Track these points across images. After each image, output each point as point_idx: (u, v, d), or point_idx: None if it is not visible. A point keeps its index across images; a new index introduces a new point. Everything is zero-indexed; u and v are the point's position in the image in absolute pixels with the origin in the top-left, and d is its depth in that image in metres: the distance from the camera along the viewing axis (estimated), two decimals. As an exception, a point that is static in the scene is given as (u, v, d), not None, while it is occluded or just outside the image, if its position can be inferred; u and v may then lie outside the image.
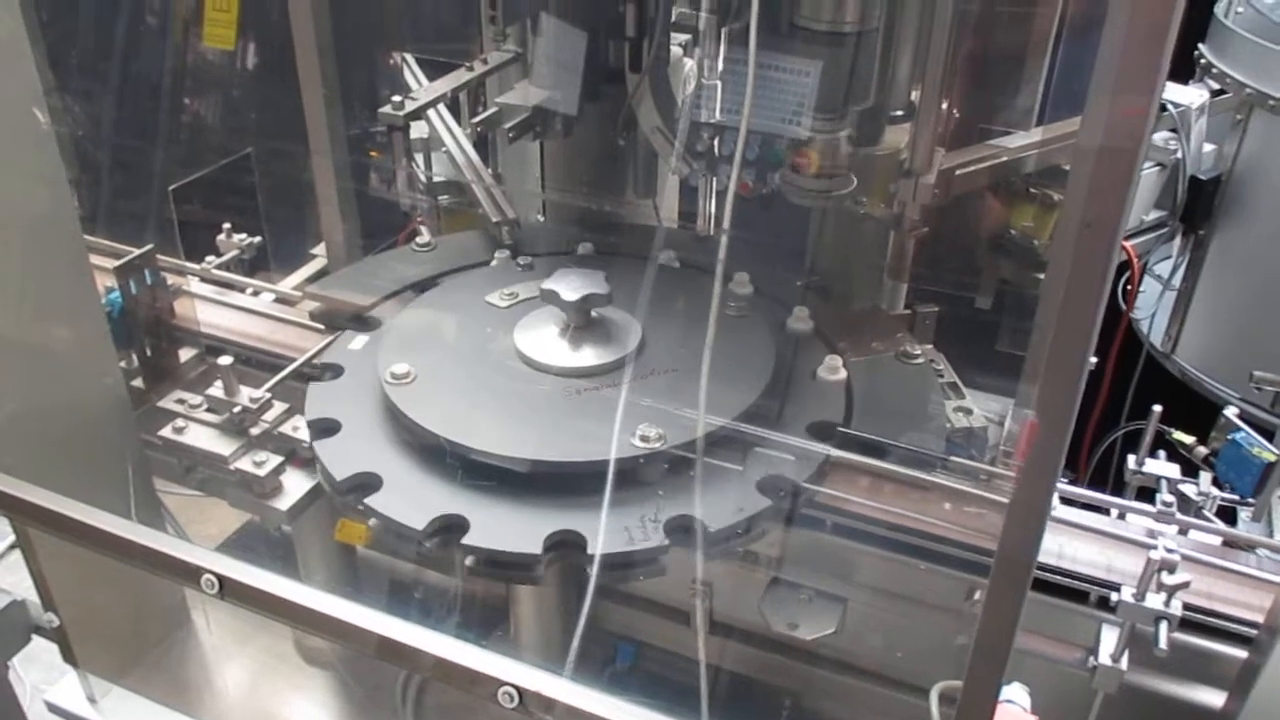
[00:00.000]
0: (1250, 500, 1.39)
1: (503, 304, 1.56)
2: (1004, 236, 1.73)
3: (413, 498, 1.27)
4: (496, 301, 1.57)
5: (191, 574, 1.17)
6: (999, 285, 1.77)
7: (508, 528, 1.23)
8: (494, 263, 1.71)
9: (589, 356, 1.43)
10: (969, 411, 1.53)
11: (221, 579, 1.16)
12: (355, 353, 1.53)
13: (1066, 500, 1.39)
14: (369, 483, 1.30)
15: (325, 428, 1.40)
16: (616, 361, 1.42)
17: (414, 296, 1.65)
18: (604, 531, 1.21)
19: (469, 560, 1.23)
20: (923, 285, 1.81)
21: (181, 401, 1.47)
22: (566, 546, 1.22)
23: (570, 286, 1.41)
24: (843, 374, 1.48)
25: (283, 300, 1.77)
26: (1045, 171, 1.65)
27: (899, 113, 1.65)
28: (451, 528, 1.24)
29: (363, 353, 1.52)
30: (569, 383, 1.40)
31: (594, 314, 1.45)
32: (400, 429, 1.37)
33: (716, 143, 1.59)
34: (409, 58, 2.12)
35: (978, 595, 1.31)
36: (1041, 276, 1.71)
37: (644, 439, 1.28)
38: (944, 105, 1.56)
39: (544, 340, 1.45)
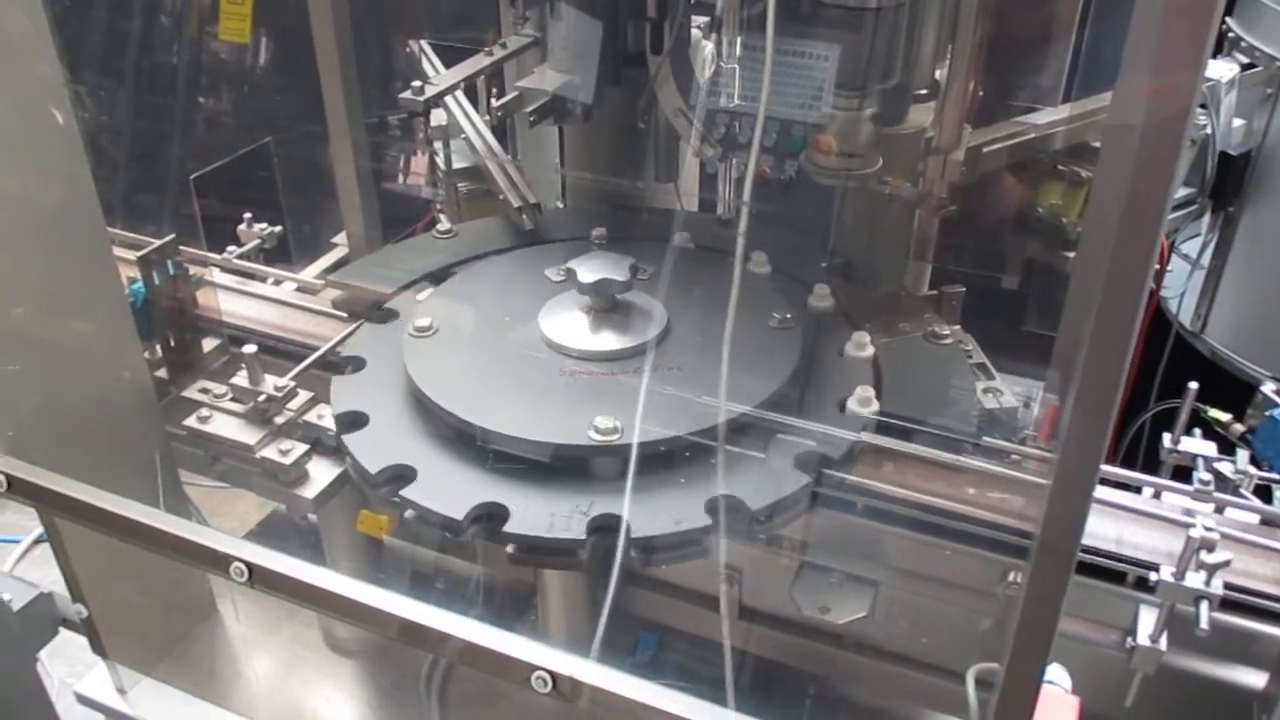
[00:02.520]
0: (1289, 477, 1.36)
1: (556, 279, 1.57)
2: (1031, 215, 1.71)
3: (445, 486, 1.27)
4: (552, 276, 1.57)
5: (221, 562, 1.16)
6: (1026, 264, 1.76)
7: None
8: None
9: (608, 340, 1.41)
10: (999, 393, 1.51)
11: (251, 567, 1.16)
12: (380, 343, 1.52)
13: (1102, 480, 1.37)
14: (403, 474, 1.30)
15: (353, 421, 1.39)
16: (636, 347, 1.41)
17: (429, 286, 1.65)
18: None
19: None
20: (949, 265, 1.80)
21: (206, 391, 1.47)
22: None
23: (591, 270, 1.40)
24: (870, 350, 1.46)
25: (304, 289, 1.76)
26: (1073, 149, 1.63)
27: (923, 91, 1.63)
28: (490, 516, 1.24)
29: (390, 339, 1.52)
30: (579, 365, 1.39)
31: (619, 298, 1.44)
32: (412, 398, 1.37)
33: (735, 128, 1.58)
34: (426, 45, 2.11)
35: (1012, 577, 1.31)
36: (1070, 255, 1.69)
37: (600, 431, 1.26)
38: (970, 82, 1.54)
39: (567, 322, 1.45)
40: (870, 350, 1.45)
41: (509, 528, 1.19)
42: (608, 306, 1.44)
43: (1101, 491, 1.34)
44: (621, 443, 1.24)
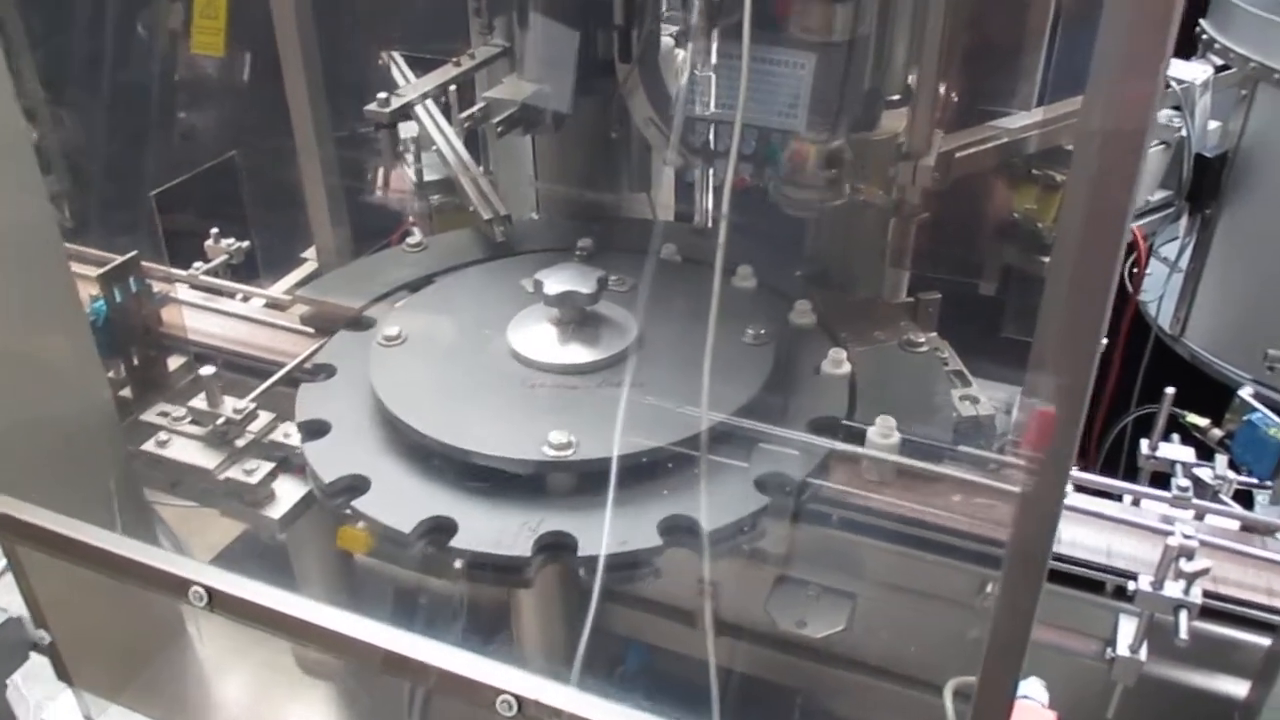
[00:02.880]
0: (1269, 483, 1.35)
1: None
2: (1007, 220, 1.69)
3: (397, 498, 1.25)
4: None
5: (178, 587, 1.13)
6: (1003, 270, 1.74)
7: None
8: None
9: (574, 353, 1.39)
10: (976, 400, 1.49)
11: (210, 591, 1.13)
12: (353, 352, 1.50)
13: (1079, 488, 1.36)
14: (357, 485, 1.27)
15: (315, 429, 1.37)
16: (602, 361, 1.38)
17: (406, 296, 1.63)
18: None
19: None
20: (925, 272, 1.78)
21: (165, 414, 1.44)
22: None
23: (558, 281, 1.38)
24: (847, 368, 1.44)
25: (273, 305, 1.74)
26: (1048, 153, 1.62)
27: (896, 97, 1.61)
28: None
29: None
30: (544, 378, 1.38)
31: (589, 310, 1.42)
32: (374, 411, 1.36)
33: (712, 137, 1.56)
34: (397, 56, 2.08)
35: (990, 588, 1.29)
36: (1046, 260, 1.68)
37: (553, 446, 1.23)
38: (942, 86, 1.52)
39: (536, 335, 1.42)
40: (847, 368, 1.42)
41: (455, 542, 1.17)
42: (576, 319, 1.42)
43: (1079, 499, 1.32)
44: (575, 458, 1.21)
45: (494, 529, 1.20)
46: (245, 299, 1.75)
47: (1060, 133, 1.60)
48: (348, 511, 1.25)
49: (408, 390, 1.36)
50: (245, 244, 1.81)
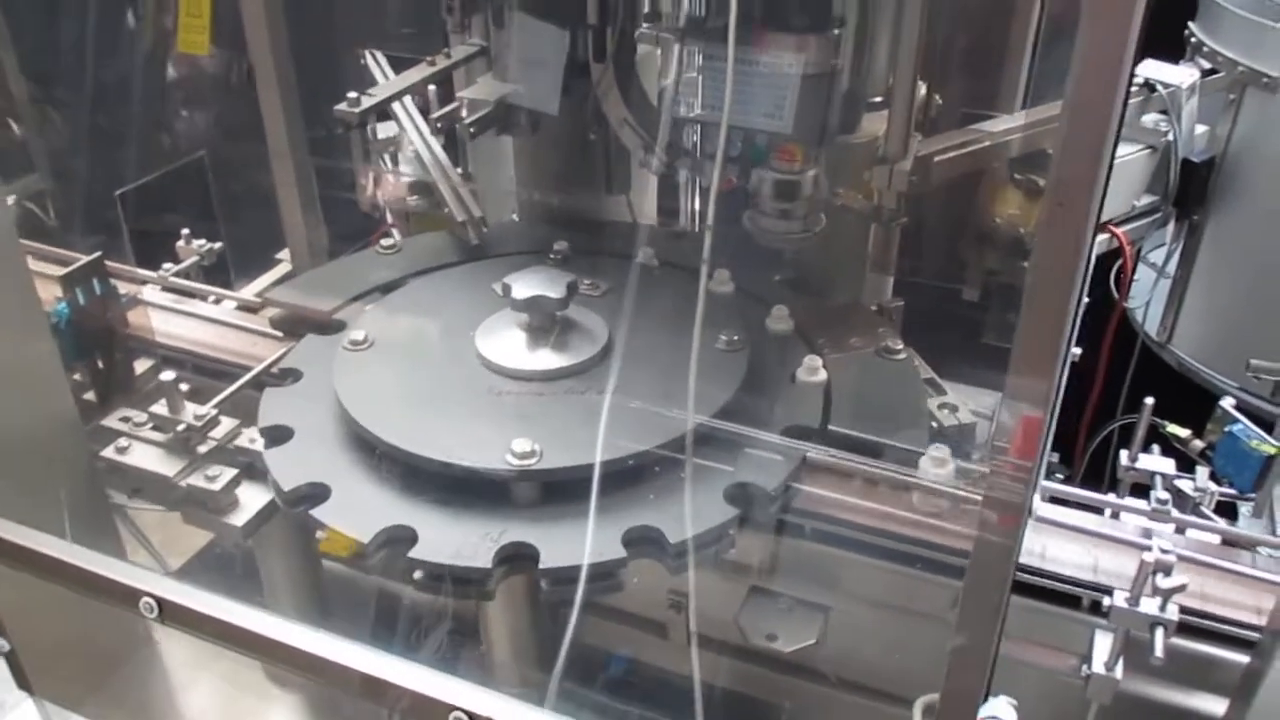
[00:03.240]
0: (1251, 495, 1.32)
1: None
2: (989, 226, 1.67)
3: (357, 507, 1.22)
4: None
5: (128, 597, 1.11)
6: (985, 276, 1.71)
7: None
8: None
9: (543, 359, 1.36)
10: (954, 408, 1.46)
11: (161, 602, 1.10)
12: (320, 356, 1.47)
13: (1057, 500, 1.33)
14: (317, 493, 1.25)
15: (277, 435, 1.35)
16: (571, 367, 1.36)
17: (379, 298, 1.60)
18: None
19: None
20: (906, 278, 1.75)
21: (127, 419, 1.41)
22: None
23: (526, 286, 1.35)
24: (823, 375, 1.41)
25: (245, 308, 1.71)
26: (1030, 157, 1.59)
27: (877, 99, 1.58)
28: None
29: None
30: (511, 384, 1.35)
31: (559, 315, 1.39)
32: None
33: (698, 139, 1.53)
34: (378, 55, 2.06)
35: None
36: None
37: (516, 455, 1.21)
38: (922, 89, 1.50)
39: (504, 340, 1.39)
40: (823, 375, 1.40)
41: (414, 553, 1.14)
42: (545, 324, 1.39)
43: (1056, 512, 1.29)
44: (539, 468, 1.19)
45: (454, 539, 1.17)
46: (216, 301, 1.72)
47: (1043, 137, 1.57)
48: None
49: (371, 396, 1.33)
50: (217, 245, 1.78)
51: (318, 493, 1.25)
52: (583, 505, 1.20)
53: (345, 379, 1.37)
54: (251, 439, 1.40)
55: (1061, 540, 1.27)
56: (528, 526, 1.19)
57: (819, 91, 1.39)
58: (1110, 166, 0.71)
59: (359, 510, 1.21)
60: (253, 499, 1.39)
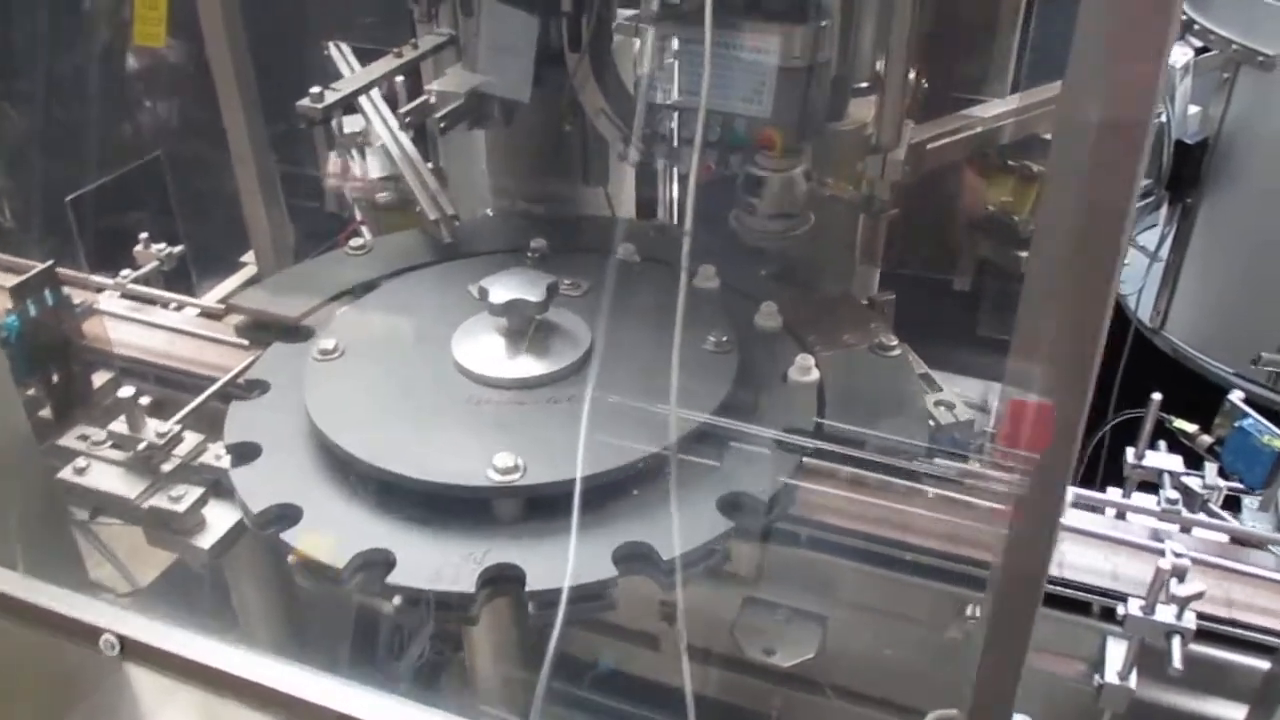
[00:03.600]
0: (1259, 491, 1.27)
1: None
2: (981, 213, 1.61)
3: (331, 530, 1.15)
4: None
5: (87, 634, 1.04)
6: (978, 265, 1.66)
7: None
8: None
9: (523, 366, 1.30)
10: (951, 406, 1.41)
11: (123, 640, 1.03)
12: (287, 366, 1.39)
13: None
14: (288, 514, 1.18)
15: (244, 453, 1.27)
16: (552, 374, 1.29)
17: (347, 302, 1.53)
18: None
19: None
20: (896, 269, 1.70)
21: (85, 438, 1.33)
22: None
23: (504, 289, 1.28)
24: (815, 375, 1.35)
25: (208, 315, 1.63)
26: (1023, 142, 1.54)
27: (864, 85, 1.53)
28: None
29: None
30: (490, 393, 1.28)
31: (540, 319, 1.33)
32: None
33: (675, 126, 1.47)
34: (344, 46, 1.97)
35: (971, 610, 1.21)
36: (1023, 255, 1.60)
37: (499, 470, 1.14)
38: (911, 74, 1.44)
39: (482, 346, 1.33)
40: (815, 375, 1.34)
41: (393, 578, 1.08)
42: (525, 328, 1.32)
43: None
44: (523, 483, 1.12)
45: (435, 561, 1.10)
46: (178, 308, 1.65)
47: (1036, 121, 1.52)
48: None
49: (343, 410, 1.26)
50: (177, 249, 1.70)
51: (289, 514, 1.18)
52: (570, 520, 1.14)
53: (316, 391, 1.29)
54: (217, 455, 1.33)
55: (1067, 543, 1.22)
56: (512, 545, 1.12)
57: (803, 83, 1.33)
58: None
59: (333, 532, 1.14)
60: (220, 519, 1.32)
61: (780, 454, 1.23)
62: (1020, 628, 0.83)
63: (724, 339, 1.35)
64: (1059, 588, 1.17)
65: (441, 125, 1.52)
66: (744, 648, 1.27)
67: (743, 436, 1.25)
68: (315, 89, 1.53)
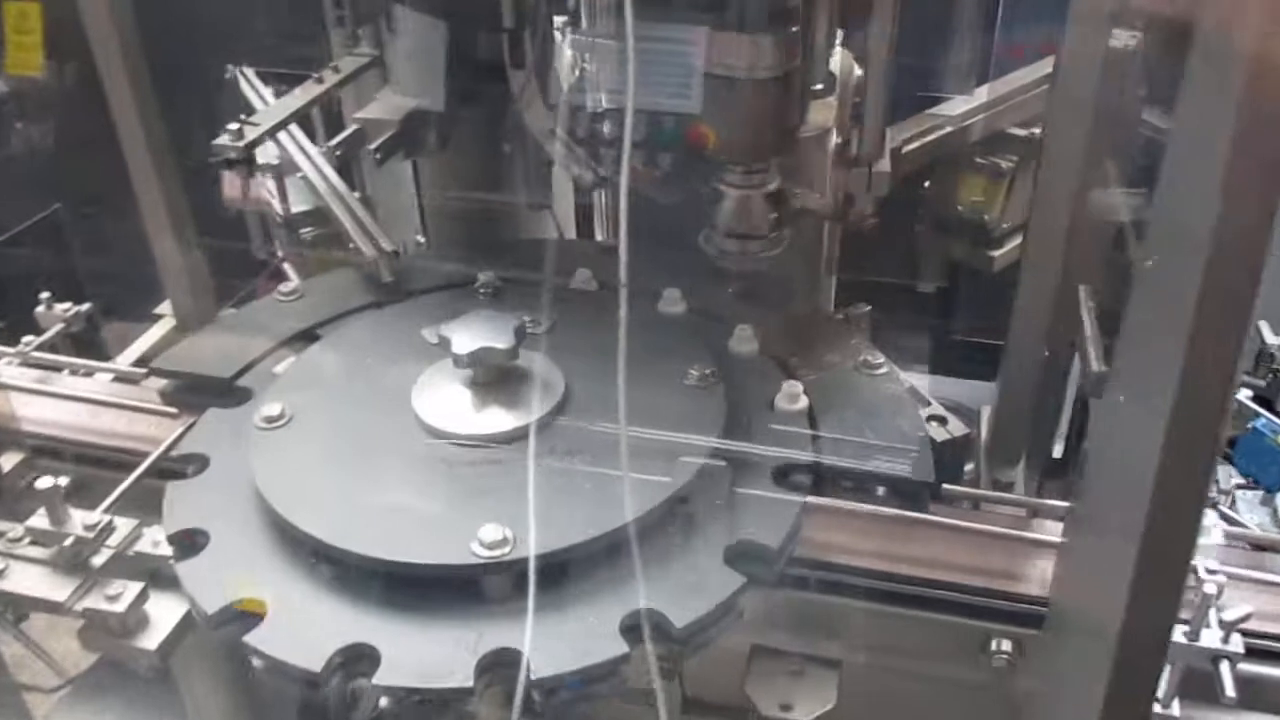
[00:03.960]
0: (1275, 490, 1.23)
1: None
2: (951, 214, 1.55)
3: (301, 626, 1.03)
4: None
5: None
6: (949, 268, 1.61)
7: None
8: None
9: (494, 420, 1.18)
10: (944, 420, 1.34)
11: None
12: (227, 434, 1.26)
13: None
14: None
15: (190, 543, 1.14)
16: (526, 427, 1.18)
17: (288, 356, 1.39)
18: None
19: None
20: (864, 276, 1.63)
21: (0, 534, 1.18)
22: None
23: (467, 337, 1.17)
24: (804, 402, 1.27)
25: (124, 379, 1.47)
26: (991, 138, 1.48)
27: (819, 86, 1.45)
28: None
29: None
30: (461, 453, 1.17)
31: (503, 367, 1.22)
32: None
33: (605, 128, 1.37)
34: (248, 72, 1.82)
35: (994, 645, 1.14)
36: (994, 254, 1.55)
37: (486, 545, 1.03)
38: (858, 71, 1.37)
39: (446, 399, 1.21)
40: (804, 402, 1.25)
41: (379, 679, 0.96)
42: (492, 378, 1.21)
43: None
44: (514, 557, 1.01)
45: (424, 653, 0.99)
46: (90, 374, 1.48)
47: (1004, 115, 1.46)
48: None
49: (298, 484, 1.13)
50: (84, 307, 1.53)
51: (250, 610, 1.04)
52: (569, 590, 1.04)
53: (264, 465, 1.16)
54: (155, 541, 1.19)
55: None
56: (508, 626, 1.01)
57: (769, 95, 1.24)
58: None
59: (304, 629, 1.02)
60: (165, 613, 1.18)
61: (786, 494, 1.15)
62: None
63: (707, 371, 1.26)
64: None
65: (377, 157, 1.38)
66: (759, 705, 1.18)
67: (739, 479, 1.16)
68: (232, 125, 1.38)
